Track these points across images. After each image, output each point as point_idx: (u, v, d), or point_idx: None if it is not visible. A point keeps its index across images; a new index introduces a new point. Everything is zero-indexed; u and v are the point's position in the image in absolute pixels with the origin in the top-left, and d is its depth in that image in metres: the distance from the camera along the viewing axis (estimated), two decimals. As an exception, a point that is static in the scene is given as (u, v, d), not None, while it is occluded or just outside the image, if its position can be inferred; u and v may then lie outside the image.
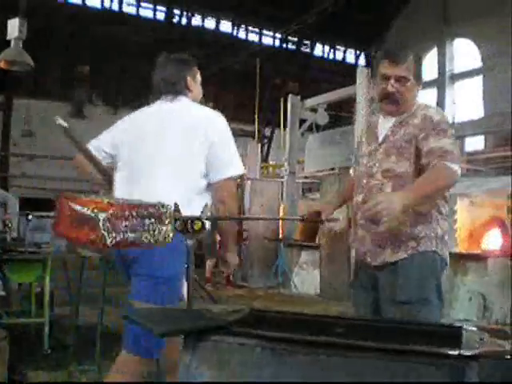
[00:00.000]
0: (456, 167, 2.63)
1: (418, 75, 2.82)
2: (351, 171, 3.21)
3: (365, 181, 2.83)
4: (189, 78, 3.21)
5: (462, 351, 1.52)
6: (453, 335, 1.74)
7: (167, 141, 2.92)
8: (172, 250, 2.28)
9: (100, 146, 3.16)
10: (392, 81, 2.73)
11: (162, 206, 1.91)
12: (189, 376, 1.69)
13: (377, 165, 2.79)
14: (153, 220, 1.90)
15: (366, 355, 1.58)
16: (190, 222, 1.94)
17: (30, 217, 5.12)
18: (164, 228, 1.88)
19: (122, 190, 2.95)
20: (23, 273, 5.26)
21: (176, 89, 3.13)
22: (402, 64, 2.75)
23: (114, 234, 1.86)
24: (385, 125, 2.86)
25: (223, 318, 1.81)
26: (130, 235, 1.88)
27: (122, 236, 1.85)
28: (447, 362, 1.50)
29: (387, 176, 2.74)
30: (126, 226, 1.90)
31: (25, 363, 3.61)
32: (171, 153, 2.89)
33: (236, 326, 1.78)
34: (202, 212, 2.00)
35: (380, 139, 2.84)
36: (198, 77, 3.30)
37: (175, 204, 1.97)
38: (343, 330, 1.90)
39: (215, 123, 3.10)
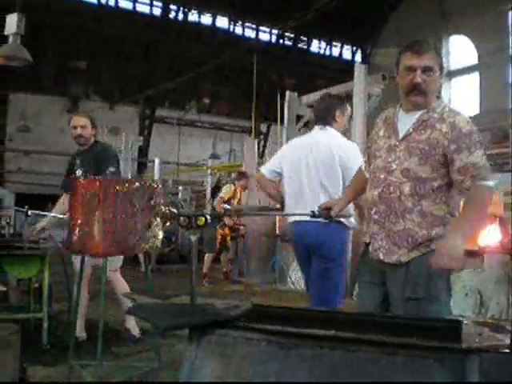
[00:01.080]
0: (491, 183, 2.68)
1: (440, 65, 2.82)
2: (362, 166, 3.18)
3: (382, 176, 2.79)
4: (337, 113, 4.17)
5: (462, 345, 1.54)
6: (453, 330, 1.77)
7: (318, 165, 4.03)
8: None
9: (272, 169, 4.36)
10: (419, 71, 2.72)
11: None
12: (193, 370, 1.71)
13: (396, 162, 2.76)
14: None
15: (369, 349, 1.60)
16: (193, 217, 1.97)
17: (29, 212, 5.12)
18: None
19: (291, 202, 4.22)
20: (22, 268, 5.25)
21: (325, 120, 4.18)
22: (427, 54, 2.76)
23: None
24: (406, 120, 2.83)
25: (227, 312, 1.84)
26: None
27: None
28: (448, 355, 1.52)
29: (407, 176, 2.72)
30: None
31: (24, 358, 3.61)
32: (322, 174, 4.02)
33: (240, 320, 1.80)
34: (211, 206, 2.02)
35: (401, 135, 2.80)
36: (347, 112, 4.28)
37: (178, 201, 1.98)
38: (345, 324, 1.92)
39: (348, 152, 4.05)
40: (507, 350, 1.55)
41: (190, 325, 1.75)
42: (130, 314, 1.91)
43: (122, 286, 5.25)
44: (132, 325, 5.38)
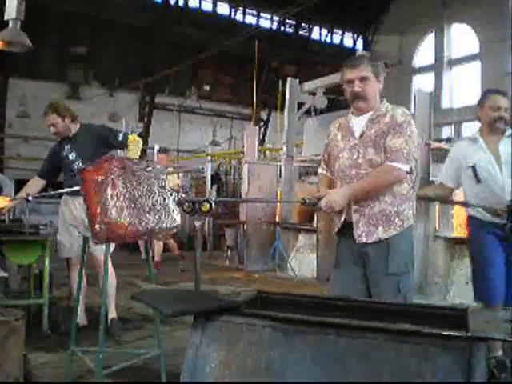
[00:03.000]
0: (399, 165, 3.14)
1: (376, 73, 3.28)
2: (320, 170, 3.62)
3: (354, 172, 3.24)
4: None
5: (469, 333, 1.54)
6: (459, 317, 1.76)
7: None
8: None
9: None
10: (356, 82, 3.23)
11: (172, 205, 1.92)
12: (198, 356, 1.70)
13: (361, 156, 3.23)
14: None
15: (374, 336, 1.60)
16: (198, 203, 1.95)
17: (30, 198, 5.10)
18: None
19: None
20: (23, 254, 5.25)
21: None
22: (360, 66, 3.25)
23: (108, 236, 1.86)
24: (357, 122, 3.32)
25: (232, 299, 1.83)
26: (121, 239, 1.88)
27: (114, 237, 1.84)
28: (455, 343, 1.51)
29: (372, 165, 3.19)
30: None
31: (25, 344, 3.61)
32: None
33: (245, 307, 1.80)
34: (210, 194, 2.01)
35: (357, 135, 3.28)
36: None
37: (184, 186, 1.97)
38: (350, 311, 1.92)
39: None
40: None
41: (196, 311, 1.74)
42: (136, 301, 1.90)
43: (110, 273, 5.23)
44: (113, 316, 5.40)
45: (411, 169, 3.21)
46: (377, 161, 3.19)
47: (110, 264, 5.02)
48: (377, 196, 3.18)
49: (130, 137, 5.33)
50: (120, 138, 5.27)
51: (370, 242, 3.17)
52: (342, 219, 3.28)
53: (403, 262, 3.18)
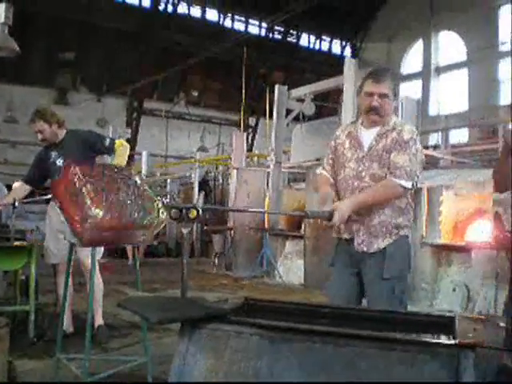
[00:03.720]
0: (401, 182, 3.21)
1: (394, 91, 3.37)
2: (319, 171, 3.61)
3: (356, 183, 3.30)
4: None
5: (457, 340, 1.54)
6: (446, 324, 1.76)
7: None
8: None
9: None
10: (376, 97, 3.28)
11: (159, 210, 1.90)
12: (185, 363, 1.69)
13: (365, 169, 3.29)
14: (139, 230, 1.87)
15: (361, 344, 1.59)
16: (185, 210, 1.94)
17: (16, 203, 5.06)
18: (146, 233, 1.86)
19: None
20: (8, 260, 5.20)
21: None
22: (384, 83, 3.30)
23: (93, 236, 1.85)
24: (367, 135, 3.37)
25: (219, 306, 1.82)
26: (109, 240, 1.87)
27: (100, 238, 1.82)
28: (443, 350, 1.51)
29: (374, 179, 3.26)
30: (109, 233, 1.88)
31: (11, 352, 3.58)
32: None
33: (232, 314, 1.79)
34: (197, 200, 2.00)
35: (366, 148, 3.33)
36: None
37: (172, 193, 1.97)
38: (337, 319, 1.91)
39: None
40: (501, 346, 1.54)
41: (183, 319, 1.73)
42: (122, 308, 1.88)
43: (96, 279, 5.20)
44: (100, 323, 5.37)
45: (413, 185, 3.29)
46: (380, 175, 3.27)
47: (97, 270, 4.99)
48: (377, 208, 3.25)
49: (118, 142, 5.31)
50: (107, 144, 5.24)
51: (370, 251, 3.26)
52: (344, 227, 3.34)
53: (398, 268, 3.26)
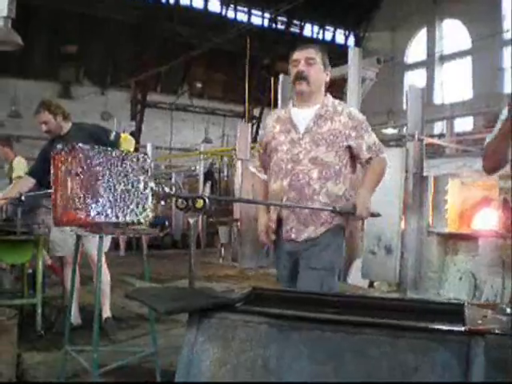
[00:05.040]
0: (385, 155, 3.25)
1: (324, 63, 3.25)
2: (252, 168, 3.51)
3: (290, 166, 3.15)
4: None
5: (466, 327, 1.53)
6: (456, 312, 1.75)
7: None
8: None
9: None
10: (302, 62, 3.17)
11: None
12: (194, 353, 1.69)
13: (303, 152, 3.14)
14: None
15: (371, 332, 1.58)
16: (191, 200, 1.94)
17: (22, 197, 5.06)
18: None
19: None
20: (15, 254, 5.22)
21: None
22: (310, 49, 3.23)
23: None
24: (301, 116, 3.22)
25: (227, 296, 1.82)
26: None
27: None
28: (453, 338, 1.50)
29: (315, 163, 3.12)
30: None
31: (19, 344, 3.59)
32: None
33: (240, 304, 1.79)
34: (203, 191, 1.99)
35: (302, 129, 3.18)
36: None
37: (176, 183, 1.96)
38: (345, 307, 1.91)
39: None
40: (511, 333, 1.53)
41: (191, 308, 1.73)
42: (130, 299, 1.88)
43: (105, 271, 5.21)
44: (108, 315, 5.38)
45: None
46: (323, 159, 3.13)
47: (104, 262, 5.00)
48: (311, 196, 3.12)
49: (123, 136, 5.31)
50: (112, 138, 5.23)
51: (299, 240, 3.14)
52: (275, 217, 3.22)
53: (328, 259, 3.13)
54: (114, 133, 5.33)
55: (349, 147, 3.19)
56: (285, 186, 3.15)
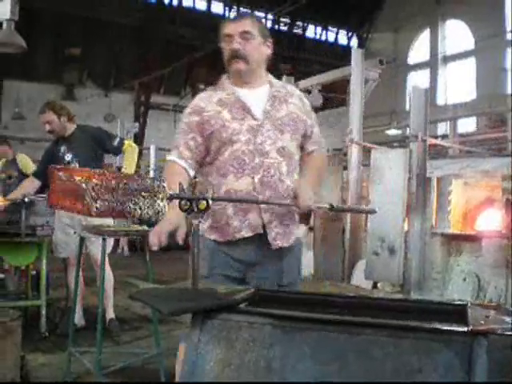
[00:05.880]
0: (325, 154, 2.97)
1: (263, 34, 2.72)
2: (171, 157, 2.69)
3: (258, 160, 2.58)
4: None
5: (469, 327, 1.53)
6: (459, 312, 1.76)
7: None
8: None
9: None
10: (236, 37, 2.65)
11: (155, 180, 1.88)
12: (197, 354, 1.69)
13: (268, 142, 2.61)
14: (145, 195, 1.87)
15: (375, 332, 1.59)
16: (195, 201, 1.94)
17: (26, 199, 5.08)
18: (159, 204, 1.85)
19: None
20: (19, 256, 5.24)
21: None
22: (244, 20, 2.71)
23: (98, 203, 1.84)
24: (251, 98, 2.68)
25: (230, 296, 1.82)
26: (118, 206, 1.86)
27: (107, 205, 1.82)
28: (456, 338, 1.51)
29: (283, 155, 2.64)
30: (112, 197, 1.87)
31: (23, 346, 3.60)
32: None
33: (244, 304, 1.79)
34: (206, 192, 2.00)
35: (259, 114, 2.64)
36: None
37: (180, 183, 1.97)
38: (349, 308, 1.91)
39: None
40: (514, 333, 1.53)
41: (195, 309, 1.73)
42: (133, 300, 1.89)
43: (108, 272, 5.23)
44: (111, 317, 5.39)
45: None
46: (289, 150, 2.67)
47: (107, 264, 5.01)
48: (284, 194, 2.63)
49: (126, 143, 5.32)
50: (115, 143, 5.25)
51: (285, 245, 2.65)
52: (251, 221, 2.60)
53: (296, 272, 2.78)
54: (118, 139, 5.35)
55: (303, 135, 2.78)
56: (256, 184, 2.57)
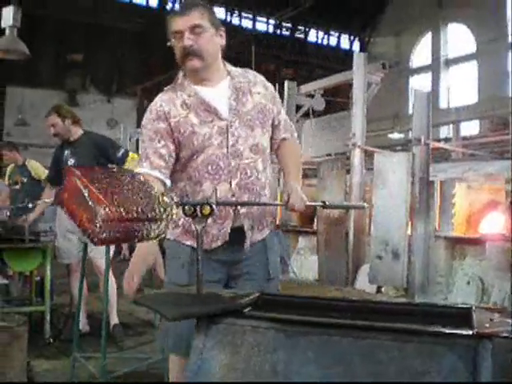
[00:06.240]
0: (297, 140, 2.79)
1: (213, 23, 2.50)
2: (143, 170, 2.43)
3: (233, 163, 2.45)
4: None
5: (474, 331, 1.53)
6: (463, 315, 1.76)
7: None
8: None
9: None
10: (187, 33, 2.42)
11: (166, 208, 1.85)
12: (202, 360, 1.70)
13: (240, 142, 2.47)
14: (152, 223, 1.85)
15: (379, 336, 1.59)
16: (198, 206, 1.95)
17: (30, 205, 5.09)
18: (159, 226, 1.84)
19: None
20: (23, 261, 5.25)
21: None
22: (192, 11, 2.45)
23: (105, 234, 1.82)
24: (213, 95, 2.51)
25: (235, 301, 1.82)
26: (122, 236, 1.85)
27: (113, 235, 1.81)
28: (461, 341, 1.51)
29: (256, 152, 2.51)
30: (121, 227, 1.86)
31: (27, 352, 3.61)
32: None
33: (248, 309, 1.79)
34: (210, 197, 2.00)
35: (224, 113, 2.48)
36: None
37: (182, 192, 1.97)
38: (354, 311, 1.91)
39: None
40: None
41: (199, 314, 1.74)
42: (137, 305, 1.88)
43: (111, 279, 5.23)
44: (115, 322, 5.39)
45: None
46: (262, 145, 2.55)
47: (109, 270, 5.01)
48: (259, 192, 2.54)
49: (131, 155, 5.30)
50: (119, 154, 5.22)
51: (260, 238, 2.58)
52: (227, 229, 2.48)
53: (278, 265, 2.73)
54: (122, 150, 5.33)
55: (272, 125, 2.64)
56: (234, 189, 2.46)
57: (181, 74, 2.59)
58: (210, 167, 2.45)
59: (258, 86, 2.60)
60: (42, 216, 5.92)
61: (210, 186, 2.42)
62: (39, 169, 7.08)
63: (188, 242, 2.50)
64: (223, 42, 2.56)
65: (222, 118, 2.46)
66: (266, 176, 2.58)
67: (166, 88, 2.60)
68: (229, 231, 2.47)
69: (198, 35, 2.43)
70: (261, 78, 2.67)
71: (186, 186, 2.51)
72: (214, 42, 2.49)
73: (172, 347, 2.51)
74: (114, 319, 5.39)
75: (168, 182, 2.51)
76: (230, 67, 2.61)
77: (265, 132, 2.56)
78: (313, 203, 2.59)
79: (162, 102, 2.52)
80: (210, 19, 2.48)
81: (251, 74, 2.64)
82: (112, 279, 5.26)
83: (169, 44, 2.54)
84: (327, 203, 2.54)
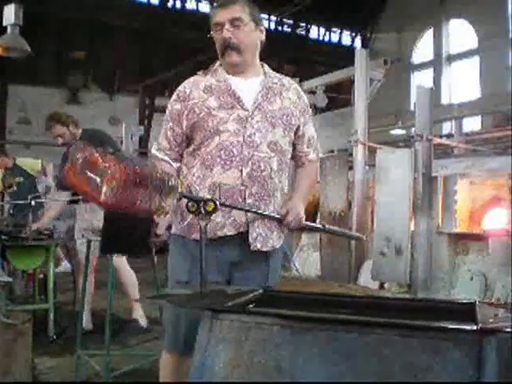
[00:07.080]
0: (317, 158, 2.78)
1: (254, 19, 2.54)
2: (154, 151, 2.69)
3: (247, 152, 2.45)
4: None
5: (479, 326, 1.53)
6: (467, 311, 1.76)
7: None
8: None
9: None
10: (227, 26, 2.48)
11: (170, 180, 1.87)
12: (206, 356, 1.70)
13: (258, 135, 2.47)
14: (158, 192, 1.86)
15: (384, 332, 1.59)
16: (202, 203, 1.95)
17: (32, 202, 5.10)
18: (166, 201, 1.85)
19: None
20: (27, 259, 5.26)
21: None
22: (233, 5, 2.50)
23: (113, 198, 1.83)
24: (244, 87, 2.54)
25: (238, 298, 1.82)
26: (126, 203, 1.86)
27: (119, 198, 1.82)
28: (465, 336, 1.50)
29: (274, 150, 2.51)
30: (130, 192, 1.87)
31: (31, 349, 3.62)
32: None
33: (252, 305, 1.80)
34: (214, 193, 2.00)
35: (249, 105, 2.50)
36: None
37: (187, 186, 1.97)
38: (357, 308, 1.91)
39: None
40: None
41: (203, 311, 1.74)
42: (142, 303, 1.89)
43: (128, 274, 5.25)
44: (140, 315, 5.39)
45: None
46: (281, 146, 2.54)
47: (127, 265, 5.04)
48: (273, 192, 2.53)
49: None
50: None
51: (265, 249, 2.54)
52: (232, 219, 2.46)
53: (278, 277, 2.72)
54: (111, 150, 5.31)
55: (296, 133, 2.65)
56: (244, 178, 2.44)
57: (218, 63, 2.64)
58: (222, 152, 2.45)
59: (291, 93, 2.63)
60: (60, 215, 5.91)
61: (220, 171, 2.43)
62: (33, 164, 7.09)
63: (192, 236, 2.47)
64: (263, 37, 2.62)
65: (244, 107, 2.49)
66: (280, 179, 2.57)
67: (199, 72, 2.67)
68: (237, 220, 2.45)
69: (237, 28, 2.48)
70: (297, 87, 2.71)
71: (198, 171, 2.50)
72: (252, 36, 2.55)
73: (169, 345, 2.56)
74: (136, 313, 5.37)
75: (174, 164, 2.58)
76: (268, 69, 2.68)
77: (286, 135, 2.57)
78: (311, 224, 2.64)
79: (186, 83, 2.62)
80: (250, 13, 2.52)
81: (287, 81, 2.68)
82: (131, 275, 5.27)
83: (209, 35, 2.59)
84: (327, 227, 2.56)
